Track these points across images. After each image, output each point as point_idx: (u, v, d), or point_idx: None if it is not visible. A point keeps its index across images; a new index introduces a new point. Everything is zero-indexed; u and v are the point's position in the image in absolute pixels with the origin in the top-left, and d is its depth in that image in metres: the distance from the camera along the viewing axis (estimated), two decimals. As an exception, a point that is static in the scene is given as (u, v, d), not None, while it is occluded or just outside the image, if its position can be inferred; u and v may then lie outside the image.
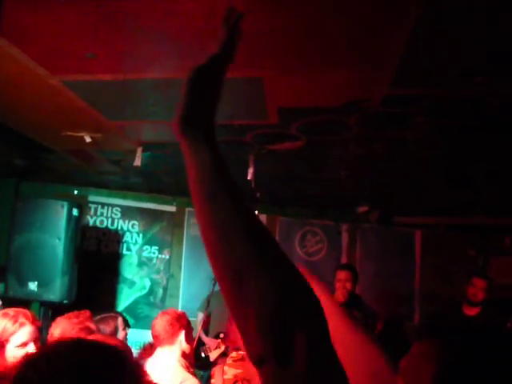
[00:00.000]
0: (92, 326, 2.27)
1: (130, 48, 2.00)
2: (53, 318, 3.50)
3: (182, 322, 2.68)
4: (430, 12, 1.58)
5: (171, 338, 2.58)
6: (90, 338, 1.84)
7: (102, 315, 3.21)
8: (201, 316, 4.57)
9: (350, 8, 1.63)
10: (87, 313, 2.32)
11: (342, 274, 4.01)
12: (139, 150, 3.51)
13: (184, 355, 2.63)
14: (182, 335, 2.63)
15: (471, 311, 4.05)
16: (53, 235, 3.77)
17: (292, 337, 0.58)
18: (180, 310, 5.07)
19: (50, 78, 2.39)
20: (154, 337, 2.62)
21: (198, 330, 4.46)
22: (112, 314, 3.41)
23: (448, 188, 4.13)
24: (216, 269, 0.67)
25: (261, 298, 0.61)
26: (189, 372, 2.59)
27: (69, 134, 3.30)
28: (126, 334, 3.31)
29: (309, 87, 2.21)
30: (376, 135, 2.82)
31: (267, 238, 0.66)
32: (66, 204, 3.85)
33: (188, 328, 2.72)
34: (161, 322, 2.63)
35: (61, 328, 2.19)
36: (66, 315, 2.28)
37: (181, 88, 0.74)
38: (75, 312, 2.33)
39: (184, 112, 0.72)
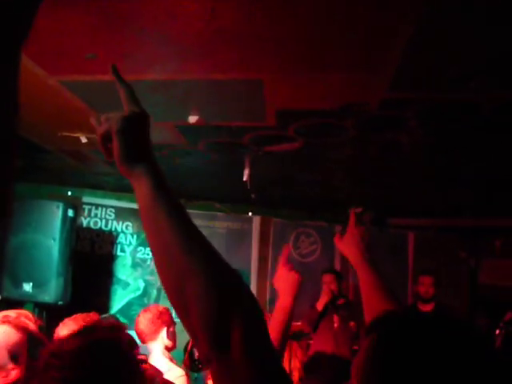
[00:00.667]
0: None
1: (130, 49, 2.01)
2: (47, 319, 3.51)
3: (163, 318, 2.73)
4: (428, 19, 1.61)
5: (153, 334, 2.65)
6: None
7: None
8: None
9: (348, 13, 1.65)
10: (95, 316, 2.32)
11: (326, 278, 4.36)
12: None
13: (167, 349, 2.71)
14: (163, 332, 2.69)
15: (426, 307, 4.29)
16: (48, 236, 3.76)
17: (228, 328, 0.66)
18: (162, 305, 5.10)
19: (47, 78, 2.39)
20: (138, 334, 2.67)
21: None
22: (106, 316, 3.40)
23: (440, 190, 4.17)
24: (164, 281, 0.78)
25: (199, 298, 0.69)
26: (173, 363, 2.66)
27: (65, 134, 3.30)
28: None
29: (307, 90, 2.24)
30: (372, 138, 2.85)
31: (203, 247, 0.77)
32: (61, 205, 3.84)
33: (170, 324, 2.77)
34: (143, 320, 2.69)
35: (67, 330, 2.19)
36: (73, 317, 2.28)
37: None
38: (83, 314, 2.34)
39: (121, 156, 0.82)
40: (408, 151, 3.00)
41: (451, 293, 5.24)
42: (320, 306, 3.99)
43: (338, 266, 5.66)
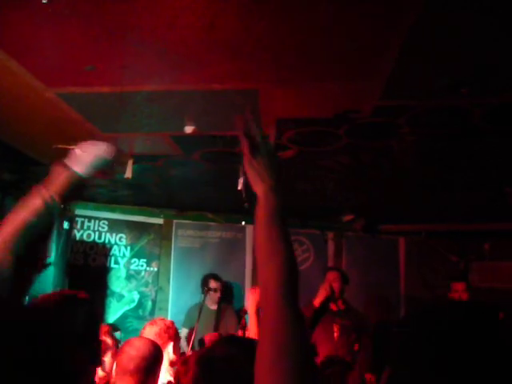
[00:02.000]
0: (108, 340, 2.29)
1: (129, 61, 2.04)
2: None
3: (170, 333, 2.67)
4: (418, 28, 1.68)
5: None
6: None
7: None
8: (184, 331, 4.56)
9: (340, 24, 1.71)
10: (105, 327, 2.32)
11: (330, 275, 4.16)
12: (130, 161, 3.52)
13: (171, 364, 2.64)
14: (170, 347, 2.62)
15: None
16: (42, 249, 3.74)
17: None
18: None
19: (45, 91, 2.41)
20: None
21: (183, 346, 4.44)
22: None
23: (430, 196, 4.25)
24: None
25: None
26: None
27: (60, 146, 3.31)
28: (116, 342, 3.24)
29: (301, 99, 2.29)
30: (364, 145, 2.91)
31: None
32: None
33: (176, 339, 2.72)
34: (149, 334, 2.60)
35: None
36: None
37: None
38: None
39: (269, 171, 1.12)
40: (399, 158, 3.06)
41: (444, 295, 5.26)
42: (317, 302, 3.80)
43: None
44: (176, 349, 2.69)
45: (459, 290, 4.18)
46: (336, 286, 4.04)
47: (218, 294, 4.68)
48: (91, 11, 1.67)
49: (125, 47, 1.92)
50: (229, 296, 5.17)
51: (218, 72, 2.06)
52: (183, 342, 4.39)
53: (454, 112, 2.28)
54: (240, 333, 4.40)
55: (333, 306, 4.06)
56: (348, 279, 4.33)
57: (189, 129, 2.74)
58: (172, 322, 2.80)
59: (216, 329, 4.53)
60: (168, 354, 2.60)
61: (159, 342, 2.58)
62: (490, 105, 2.18)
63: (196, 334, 4.20)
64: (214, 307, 4.70)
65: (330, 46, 1.87)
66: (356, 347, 3.87)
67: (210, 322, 4.55)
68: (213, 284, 4.69)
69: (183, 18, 1.72)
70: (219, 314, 4.68)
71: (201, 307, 4.29)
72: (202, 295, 4.56)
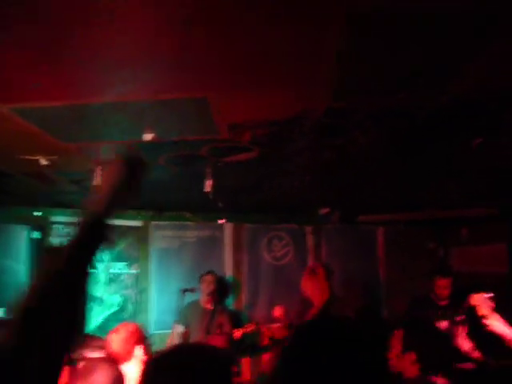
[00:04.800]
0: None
1: (73, 78, 2.05)
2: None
3: (135, 337, 2.67)
4: (350, 36, 1.70)
5: (128, 354, 2.59)
6: None
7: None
8: (179, 328, 4.56)
9: (281, 32, 1.73)
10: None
11: None
12: (98, 169, 3.53)
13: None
14: (138, 350, 2.64)
15: (442, 302, 4.23)
16: (15, 259, 3.76)
17: None
18: (153, 324, 5.12)
19: (-1, 107, 2.41)
20: (112, 355, 2.53)
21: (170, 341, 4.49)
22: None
23: (401, 186, 4.30)
24: None
25: None
26: None
27: (24, 157, 3.31)
28: None
29: (252, 103, 2.31)
30: (324, 143, 2.94)
31: None
32: (26, 228, 3.84)
33: (144, 340, 2.72)
34: (115, 341, 2.60)
35: None
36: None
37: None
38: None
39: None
40: (360, 153, 3.10)
41: (423, 283, 5.34)
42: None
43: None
44: (146, 350, 2.71)
45: (442, 287, 4.18)
46: None
47: (207, 287, 4.69)
48: (23, 36, 1.68)
49: (66, 65, 1.92)
50: (224, 292, 5.20)
51: (163, 83, 2.08)
52: (177, 339, 4.42)
53: (400, 111, 2.32)
54: (237, 333, 4.46)
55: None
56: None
57: (148, 136, 2.75)
58: (136, 326, 2.80)
59: (207, 329, 4.53)
60: (137, 357, 2.63)
61: (126, 348, 2.61)
62: (431, 105, 2.22)
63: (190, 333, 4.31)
64: (208, 306, 4.72)
65: (271, 53, 1.89)
66: None
67: (203, 320, 4.57)
68: (204, 278, 4.73)
69: (122, 37, 1.73)
70: (213, 313, 4.69)
71: (181, 308, 4.33)
72: (181, 295, 4.60)
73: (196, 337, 4.48)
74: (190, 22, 1.66)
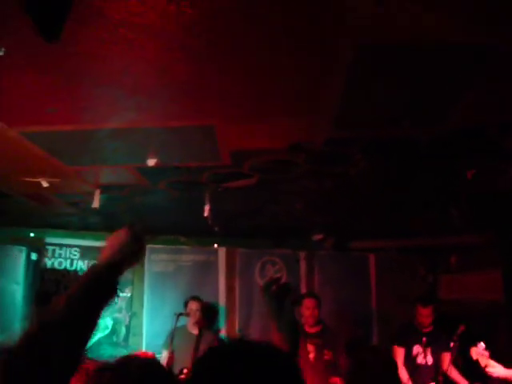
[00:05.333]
0: None
1: (88, 103, 2.13)
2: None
3: None
4: (353, 72, 1.82)
5: None
6: None
7: None
8: (165, 353, 4.56)
9: (282, 67, 1.84)
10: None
11: (309, 303, 4.29)
12: (97, 192, 3.59)
13: None
14: None
15: (425, 330, 4.29)
16: (11, 281, 3.76)
17: None
18: (144, 348, 5.07)
19: (7, 131, 2.47)
20: None
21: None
22: None
23: (395, 214, 4.40)
24: None
25: None
26: None
27: (26, 179, 3.35)
28: None
29: (256, 132, 2.41)
30: (323, 171, 3.04)
31: None
32: (24, 249, 3.86)
33: None
34: None
35: None
36: None
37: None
38: None
39: None
40: (357, 181, 3.20)
41: (413, 309, 5.39)
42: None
43: (304, 291, 5.79)
44: None
45: (423, 315, 4.25)
46: (316, 312, 4.24)
47: (197, 315, 4.70)
48: (45, 62, 1.76)
49: (82, 91, 2.01)
50: (211, 317, 5.20)
51: (173, 111, 2.17)
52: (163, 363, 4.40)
53: (399, 141, 2.42)
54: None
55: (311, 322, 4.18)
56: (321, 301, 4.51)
57: (152, 161, 2.82)
58: (153, 355, 2.83)
59: (196, 353, 4.52)
60: None
61: None
62: (432, 134, 2.34)
63: (176, 358, 4.26)
64: (195, 331, 4.71)
65: (275, 85, 1.99)
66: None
67: (190, 345, 4.55)
68: (192, 305, 4.72)
69: (135, 66, 1.82)
70: (200, 338, 4.67)
71: (173, 332, 4.32)
72: (185, 318, 4.59)
73: (183, 362, 4.45)
74: (204, 53, 1.75)
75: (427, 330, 4.28)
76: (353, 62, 1.77)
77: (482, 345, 3.28)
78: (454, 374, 4.08)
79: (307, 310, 4.25)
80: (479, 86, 2.00)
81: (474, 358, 3.33)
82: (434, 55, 1.76)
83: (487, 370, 3.19)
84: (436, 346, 4.18)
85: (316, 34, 1.63)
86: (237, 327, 5.52)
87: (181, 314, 4.53)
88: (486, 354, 3.23)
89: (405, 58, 1.79)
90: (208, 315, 5.04)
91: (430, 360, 4.13)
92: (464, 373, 4.09)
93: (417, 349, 4.19)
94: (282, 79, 1.95)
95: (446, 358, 4.04)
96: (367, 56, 1.76)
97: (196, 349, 4.53)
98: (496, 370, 3.16)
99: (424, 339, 4.20)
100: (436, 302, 4.47)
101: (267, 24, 1.57)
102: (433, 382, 4.03)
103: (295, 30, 1.61)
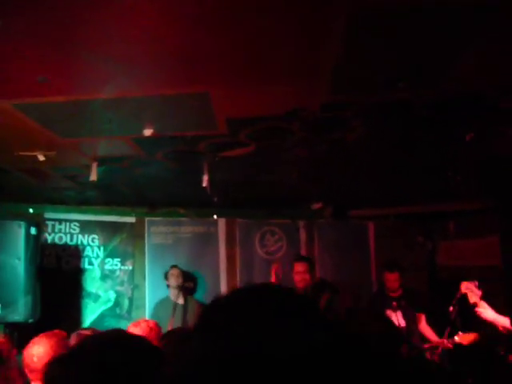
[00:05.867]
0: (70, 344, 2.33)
1: (80, 71, 2.09)
2: (19, 339, 3.53)
3: (153, 334, 2.61)
4: (351, 34, 1.78)
5: None
6: None
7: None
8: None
9: (277, 28, 1.80)
10: (62, 333, 2.37)
11: (299, 266, 4.35)
12: (94, 164, 3.56)
13: None
14: None
15: (394, 294, 4.46)
16: (12, 256, 3.77)
17: None
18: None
19: (1, 103, 2.44)
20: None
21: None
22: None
23: (392, 180, 4.40)
24: None
25: None
26: None
27: (22, 153, 3.33)
28: None
29: (252, 99, 2.38)
30: (319, 138, 3.02)
31: None
32: (23, 224, 3.86)
33: (160, 339, 2.76)
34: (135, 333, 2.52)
35: (37, 348, 2.23)
36: (42, 334, 2.31)
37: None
38: (48, 332, 2.34)
39: None
40: (355, 148, 3.18)
41: (412, 276, 5.45)
42: None
43: (303, 261, 5.84)
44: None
45: (391, 280, 4.43)
46: (307, 276, 4.30)
47: (175, 280, 4.76)
48: (37, 28, 1.72)
49: (73, 58, 1.97)
50: (192, 284, 5.24)
51: (167, 79, 2.13)
52: None
53: (397, 104, 2.40)
54: None
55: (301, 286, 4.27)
56: (314, 267, 4.61)
57: (148, 131, 2.80)
58: (155, 324, 2.80)
59: (185, 322, 4.59)
60: None
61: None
62: (428, 96, 2.31)
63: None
64: (180, 301, 4.77)
65: (270, 49, 1.96)
66: None
67: (177, 316, 4.61)
68: (173, 271, 4.79)
69: (128, 32, 1.78)
70: (186, 307, 4.75)
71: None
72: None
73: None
74: (198, 20, 1.71)
75: (396, 294, 4.40)
76: (349, 23, 1.73)
77: (475, 282, 3.19)
78: (429, 333, 4.18)
79: (297, 275, 4.30)
80: (479, 48, 1.96)
81: (463, 291, 3.26)
82: (433, 15, 1.72)
83: (476, 309, 3.08)
84: (407, 308, 4.28)
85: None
86: (238, 297, 5.59)
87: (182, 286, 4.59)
88: (478, 292, 3.13)
89: (403, 19, 1.75)
90: (190, 282, 5.08)
91: (402, 322, 4.21)
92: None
93: (389, 313, 4.27)
94: (276, 43, 1.92)
95: (421, 318, 4.25)
96: (364, 17, 1.73)
97: (184, 318, 4.61)
98: (485, 311, 3.04)
99: (394, 303, 4.30)
100: (401, 269, 4.54)
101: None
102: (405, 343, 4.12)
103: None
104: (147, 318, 5.18)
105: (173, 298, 4.78)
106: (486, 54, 2.01)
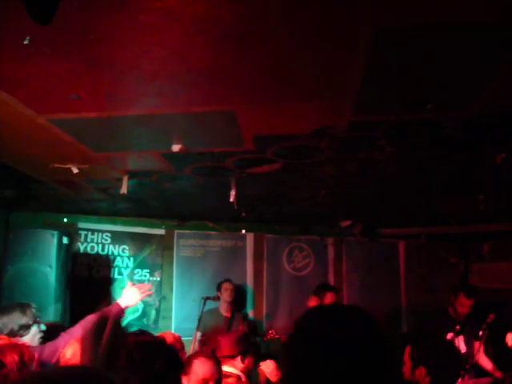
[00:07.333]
0: None
1: (110, 90, 2.16)
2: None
3: (176, 347, 2.74)
4: (376, 54, 1.77)
5: None
6: None
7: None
8: (198, 334, 4.65)
9: (304, 48, 1.81)
10: None
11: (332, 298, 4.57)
12: (125, 178, 3.66)
13: None
14: None
15: (460, 319, 4.21)
16: (44, 264, 3.90)
17: None
18: (173, 331, 5.20)
19: (37, 118, 2.54)
20: None
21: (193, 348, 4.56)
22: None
23: (423, 200, 4.31)
24: None
25: None
26: None
27: (57, 166, 3.45)
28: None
29: (278, 117, 2.39)
30: (347, 156, 3.00)
31: None
32: (56, 233, 3.98)
33: (181, 350, 2.87)
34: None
35: (72, 350, 2.34)
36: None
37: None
38: None
39: None
40: (383, 167, 3.14)
41: (444, 297, 5.30)
42: None
43: (331, 279, 5.78)
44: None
45: (465, 305, 4.13)
46: None
47: (229, 295, 4.82)
48: (69, 49, 1.79)
49: (104, 78, 2.04)
50: (241, 300, 5.31)
51: (195, 97, 2.17)
52: (197, 345, 4.54)
53: (426, 124, 2.36)
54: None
55: None
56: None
57: (176, 147, 2.85)
58: (178, 337, 2.98)
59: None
60: None
61: None
62: (458, 117, 2.27)
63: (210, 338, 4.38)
64: (227, 314, 4.84)
65: (296, 69, 1.97)
66: None
67: (222, 327, 4.70)
68: (227, 285, 4.86)
69: (155, 52, 1.83)
70: (232, 320, 4.82)
71: (200, 316, 4.40)
72: (202, 303, 4.68)
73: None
74: (225, 37, 1.75)
75: (460, 318, 4.21)
76: (376, 43, 1.73)
77: None
78: (483, 360, 4.02)
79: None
80: (504, 74, 1.93)
81: (510, 344, 3.28)
82: (459, 38, 1.70)
83: None
84: (468, 334, 4.11)
85: (337, 16, 1.60)
86: (264, 311, 5.58)
87: (208, 298, 4.62)
88: None
89: (429, 41, 1.73)
90: (238, 297, 5.15)
91: (463, 348, 4.07)
92: (495, 361, 4.02)
93: (450, 336, 4.12)
94: (303, 62, 1.93)
95: (476, 346, 3.99)
96: (391, 38, 1.72)
97: (228, 330, 4.65)
98: None
99: (457, 327, 4.13)
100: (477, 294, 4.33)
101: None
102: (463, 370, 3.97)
103: (317, 12, 1.58)
104: (173, 328, 5.23)
105: (222, 311, 4.86)
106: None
